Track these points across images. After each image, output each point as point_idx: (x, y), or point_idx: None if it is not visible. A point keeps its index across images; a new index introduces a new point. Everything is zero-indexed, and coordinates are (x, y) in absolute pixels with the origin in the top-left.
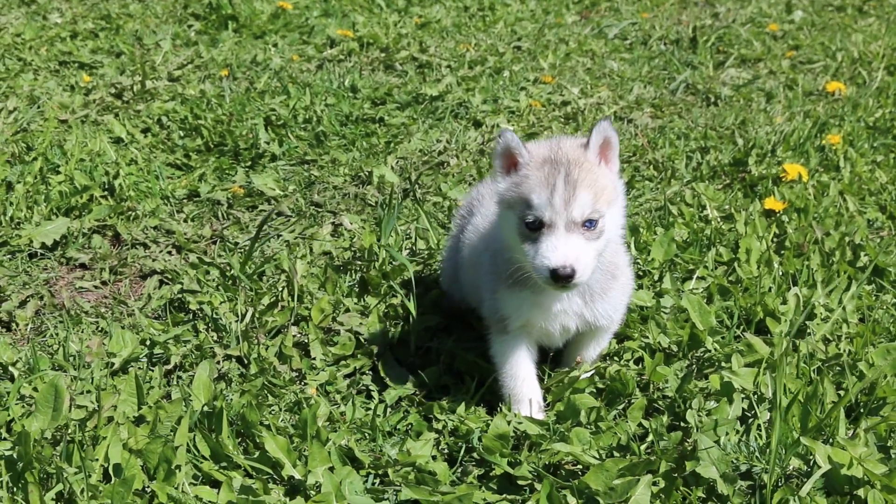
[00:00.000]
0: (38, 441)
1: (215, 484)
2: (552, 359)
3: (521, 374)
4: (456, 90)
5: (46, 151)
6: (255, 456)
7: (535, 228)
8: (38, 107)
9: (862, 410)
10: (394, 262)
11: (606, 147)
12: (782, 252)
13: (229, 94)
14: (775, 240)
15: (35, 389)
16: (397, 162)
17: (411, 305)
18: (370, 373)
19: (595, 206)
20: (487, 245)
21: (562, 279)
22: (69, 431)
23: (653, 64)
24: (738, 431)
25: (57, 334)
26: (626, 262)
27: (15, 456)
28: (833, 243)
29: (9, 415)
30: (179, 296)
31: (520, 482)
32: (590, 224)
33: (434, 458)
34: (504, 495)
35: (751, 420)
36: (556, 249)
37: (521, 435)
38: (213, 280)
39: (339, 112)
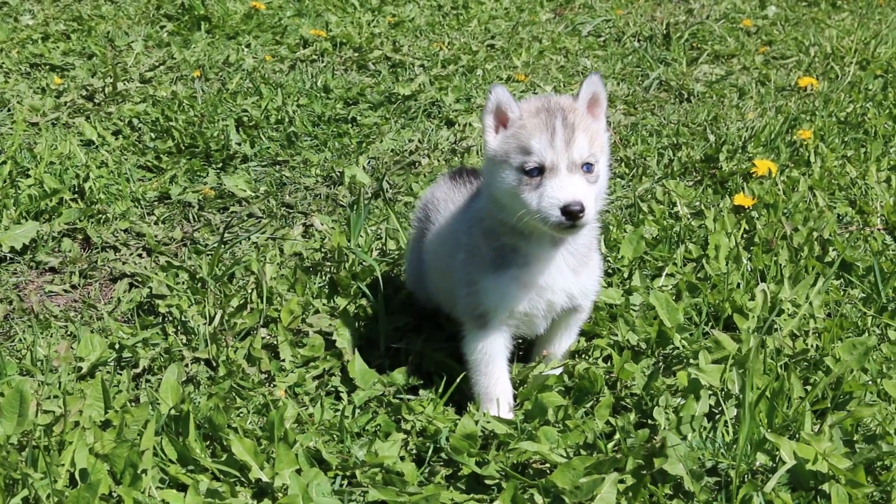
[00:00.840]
0: (2, 447)
1: (182, 487)
2: (520, 357)
3: (494, 373)
4: (429, 89)
5: (16, 155)
6: (223, 459)
7: (536, 174)
8: (9, 110)
9: (829, 405)
10: (364, 264)
11: (594, 103)
12: (751, 248)
13: (201, 95)
14: (745, 236)
15: (1, 395)
16: (369, 162)
17: (380, 306)
18: (339, 374)
19: (591, 150)
20: (459, 239)
21: (572, 216)
22: (35, 437)
23: (626, 61)
24: (704, 428)
25: (25, 339)
26: (596, 239)
27: None
28: (801, 239)
29: None
30: (149, 299)
31: (487, 482)
32: (587, 168)
33: (402, 458)
34: (472, 495)
35: (718, 416)
36: (564, 188)
37: (489, 434)
38: (183, 283)
39: (311, 112)
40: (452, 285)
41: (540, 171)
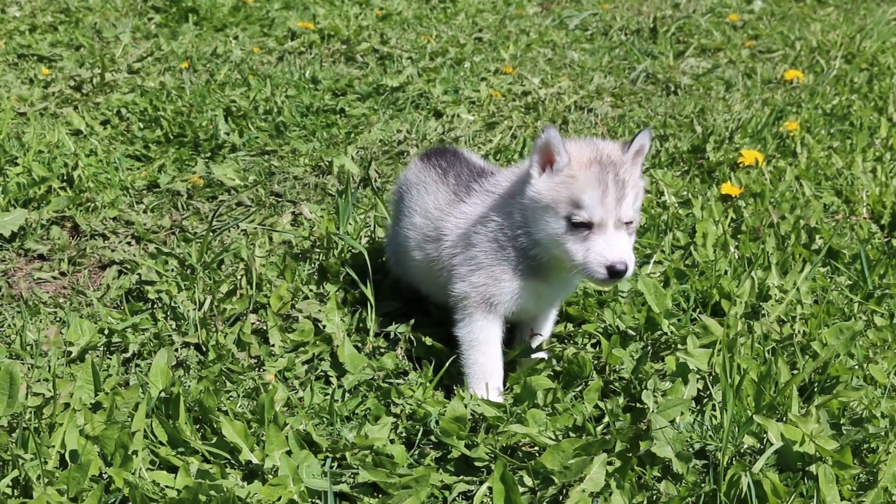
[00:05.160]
0: None
1: (172, 469)
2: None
3: (491, 352)
4: (417, 81)
5: (4, 143)
6: (213, 441)
7: (583, 228)
8: None
9: (815, 389)
10: (352, 250)
11: (639, 153)
12: (738, 236)
13: (189, 85)
14: (732, 224)
15: None
16: (357, 152)
17: (368, 292)
18: (329, 359)
19: (635, 206)
20: (473, 239)
21: (618, 275)
22: (25, 419)
23: (613, 54)
24: (692, 411)
25: (14, 324)
26: None
27: None
28: (788, 227)
29: None
30: (138, 286)
31: (477, 464)
32: (629, 223)
33: (392, 441)
34: (461, 477)
35: (705, 400)
36: (612, 247)
37: (479, 417)
38: (172, 269)
39: (299, 103)
40: (434, 272)
41: (588, 225)
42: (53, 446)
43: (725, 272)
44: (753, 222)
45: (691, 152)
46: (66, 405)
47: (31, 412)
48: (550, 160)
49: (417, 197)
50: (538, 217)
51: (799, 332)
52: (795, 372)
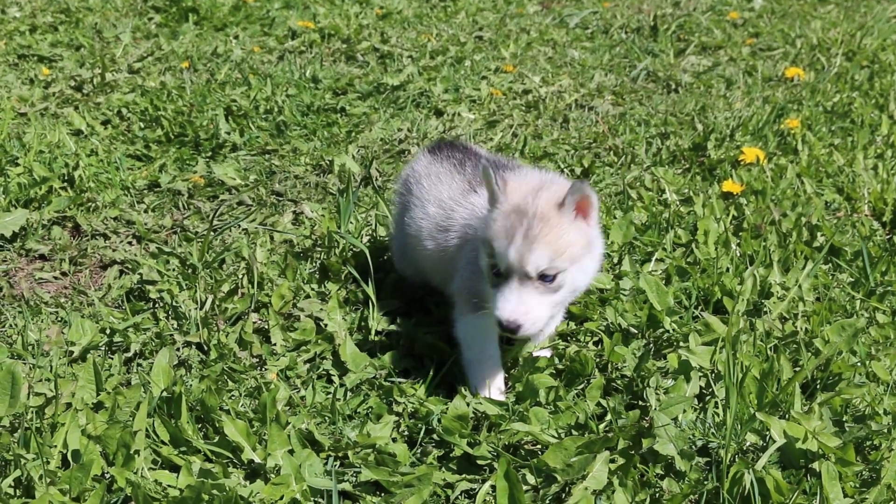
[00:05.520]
0: None
1: (175, 468)
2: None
3: (488, 351)
4: (417, 80)
5: (5, 143)
6: (215, 440)
7: (497, 274)
8: None
9: (817, 386)
10: (354, 249)
11: (585, 203)
12: (740, 234)
13: (190, 85)
14: (733, 222)
15: None
16: (358, 151)
17: (370, 290)
18: (330, 358)
19: (553, 263)
20: (467, 232)
21: (508, 332)
22: (27, 418)
23: (614, 52)
24: (695, 409)
25: (16, 324)
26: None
27: None
28: (790, 224)
29: None
30: (139, 285)
31: (479, 462)
32: (546, 278)
33: (394, 439)
34: (464, 475)
35: (708, 398)
36: (508, 302)
37: (481, 416)
38: (173, 269)
39: (300, 102)
40: (445, 262)
41: (499, 272)
42: (55, 446)
43: (727, 270)
44: (755, 220)
45: (692, 150)
46: (68, 405)
47: (32, 412)
48: (494, 196)
49: (430, 187)
50: (479, 249)
51: (801, 329)
52: (798, 369)
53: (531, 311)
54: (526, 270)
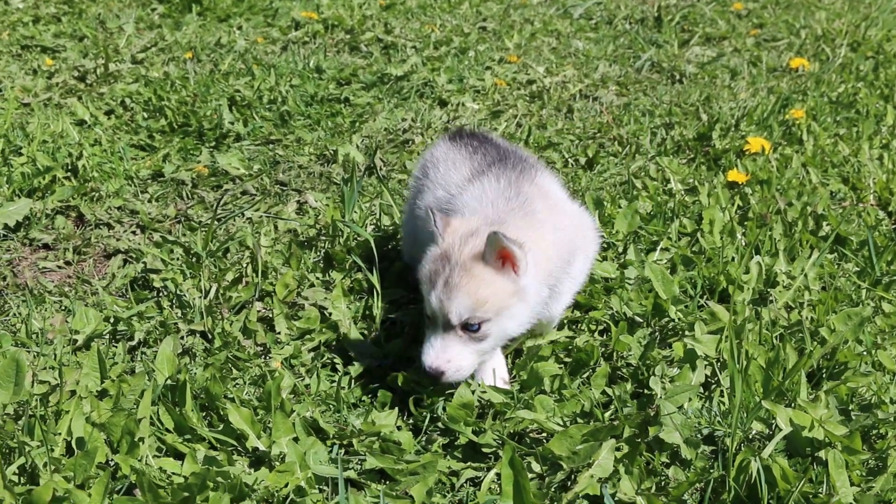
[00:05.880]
0: None
1: (179, 456)
2: None
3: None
4: (421, 70)
5: (8, 133)
6: (219, 428)
7: (427, 316)
8: (0, 90)
9: (823, 375)
10: (358, 238)
11: (508, 254)
12: (745, 223)
13: (193, 75)
14: (738, 211)
15: None
16: (362, 141)
17: (374, 279)
18: (335, 346)
19: (476, 313)
20: None
21: (430, 378)
22: (31, 406)
23: (618, 43)
24: (700, 397)
25: (19, 313)
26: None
27: None
28: (795, 213)
29: None
30: (143, 274)
31: (484, 451)
32: (470, 327)
33: (399, 428)
34: (469, 463)
35: (713, 386)
36: (431, 349)
37: (486, 404)
38: (177, 258)
39: (304, 93)
40: None
41: (428, 315)
42: (60, 433)
43: (732, 259)
44: (760, 209)
45: (697, 140)
46: (73, 393)
47: (37, 400)
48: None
49: (445, 172)
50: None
51: (807, 318)
52: (803, 358)
53: (454, 359)
54: (448, 319)
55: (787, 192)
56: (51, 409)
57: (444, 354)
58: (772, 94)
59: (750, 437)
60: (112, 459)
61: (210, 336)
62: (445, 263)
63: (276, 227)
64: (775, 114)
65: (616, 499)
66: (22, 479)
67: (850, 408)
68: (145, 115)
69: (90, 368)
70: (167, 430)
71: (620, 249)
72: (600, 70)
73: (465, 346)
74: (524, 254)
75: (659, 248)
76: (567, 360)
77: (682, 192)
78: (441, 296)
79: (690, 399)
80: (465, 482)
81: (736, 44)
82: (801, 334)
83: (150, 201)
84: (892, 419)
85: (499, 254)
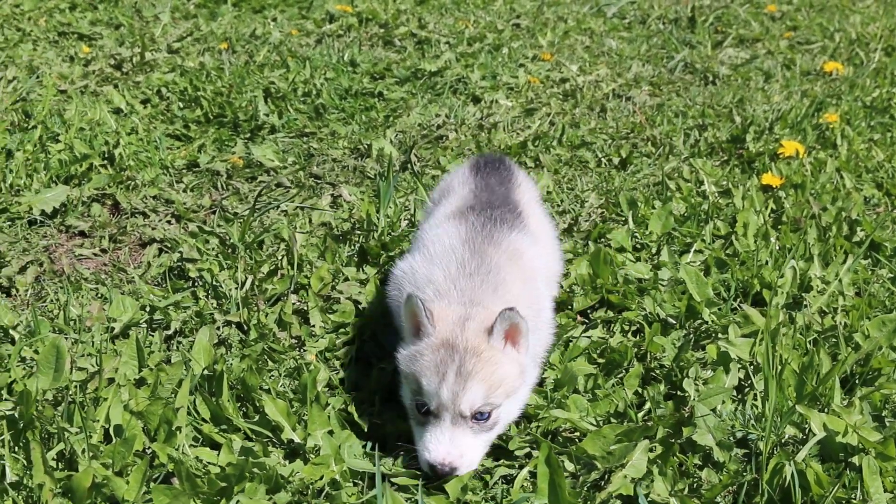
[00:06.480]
0: (39, 401)
1: (215, 446)
2: None
3: None
4: (455, 66)
5: (46, 120)
6: (255, 419)
7: (423, 413)
8: (38, 77)
9: (857, 381)
10: (392, 233)
11: (514, 331)
12: (779, 227)
13: (228, 66)
14: (772, 215)
15: (36, 352)
16: (396, 135)
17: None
18: (369, 340)
19: (488, 400)
20: None
21: (439, 476)
22: (70, 393)
23: (651, 43)
24: (734, 401)
25: (57, 299)
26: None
27: (16, 415)
28: (830, 218)
29: (10, 376)
30: (179, 263)
31: (516, 452)
32: (481, 416)
33: None
34: (502, 461)
35: (746, 390)
36: (440, 444)
37: None
38: (213, 248)
39: (338, 86)
40: None
41: (427, 411)
42: (98, 420)
43: (766, 262)
44: (794, 213)
45: (731, 142)
46: (111, 380)
47: (75, 386)
48: (417, 326)
49: (454, 203)
50: (402, 383)
51: (840, 323)
52: (837, 363)
53: (466, 453)
54: (460, 410)
55: (821, 197)
56: (89, 396)
57: (456, 450)
58: (805, 98)
59: (783, 441)
60: (150, 448)
61: (246, 327)
62: (452, 352)
63: (310, 220)
64: (809, 117)
65: (649, 500)
66: (60, 464)
67: (883, 414)
68: (181, 105)
69: (128, 357)
70: (204, 419)
71: (654, 250)
72: (633, 70)
73: (476, 438)
74: (528, 328)
75: (692, 249)
76: (600, 360)
77: (716, 195)
78: (454, 388)
79: (724, 402)
80: (499, 479)
81: (769, 46)
82: (834, 340)
83: (185, 191)
84: None
85: (506, 332)
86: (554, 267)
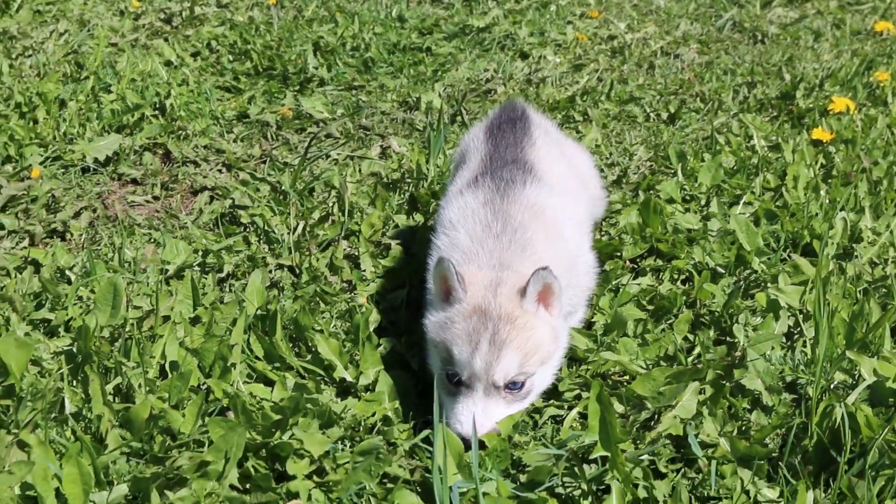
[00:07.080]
0: (96, 337)
1: (269, 383)
2: None
3: None
4: (503, 23)
5: (98, 71)
6: (308, 358)
7: (454, 383)
8: (89, 30)
9: None
10: (442, 182)
11: (547, 293)
12: (829, 181)
13: (277, 21)
14: (822, 169)
15: (92, 291)
16: (444, 89)
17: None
18: (419, 285)
19: (523, 369)
20: None
21: (467, 445)
22: (127, 329)
23: (699, 1)
24: (783, 347)
25: (111, 243)
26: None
27: (74, 350)
28: (881, 172)
29: (67, 314)
30: (231, 210)
31: (566, 395)
32: (514, 386)
33: None
34: (551, 401)
35: (796, 337)
36: (470, 416)
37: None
38: (264, 196)
39: (386, 41)
40: None
41: (458, 381)
42: (154, 357)
43: (816, 214)
44: (845, 167)
45: (780, 98)
46: (166, 318)
47: (132, 324)
48: (448, 291)
49: (473, 166)
50: (430, 350)
51: (891, 274)
52: (888, 312)
53: (498, 418)
54: (493, 380)
55: (871, 152)
56: (145, 333)
57: (489, 421)
58: (856, 57)
59: (832, 386)
60: (205, 383)
61: (298, 271)
62: (485, 319)
63: (359, 170)
64: (859, 75)
65: (699, 440)
66: (117, 398)
67: None
68: (230, 58)
69: (184, 296)
70: (257, 357)
71: (703, 202)
72: (681, 28)
73: (509, 408)
74: (560, 288)
75: (742, 201)
76: (650, 307)
77: (766, 149)
78: (488, 357)
79: (773, 347)
80: (548, 419)
81: (819, 6)
82: (885, 290)
83: (235, 141)
84: None
85: (540, 294)
86: (580, 210)
